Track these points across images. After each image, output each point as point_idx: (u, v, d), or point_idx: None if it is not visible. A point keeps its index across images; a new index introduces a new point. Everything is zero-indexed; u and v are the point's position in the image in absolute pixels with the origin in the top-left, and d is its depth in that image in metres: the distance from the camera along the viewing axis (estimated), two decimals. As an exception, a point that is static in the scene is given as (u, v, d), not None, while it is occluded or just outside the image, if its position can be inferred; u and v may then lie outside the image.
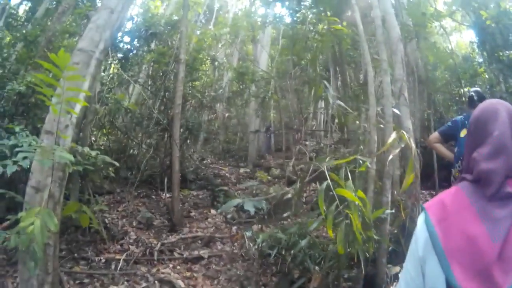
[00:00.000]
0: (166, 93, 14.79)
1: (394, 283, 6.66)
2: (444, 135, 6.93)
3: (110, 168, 9.93)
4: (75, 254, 8.49)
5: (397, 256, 6.90)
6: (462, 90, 17.78)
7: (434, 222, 1.76)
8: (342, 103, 7.34)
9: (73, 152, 5.89)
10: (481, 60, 18.90)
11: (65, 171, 5.83)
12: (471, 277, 1.57)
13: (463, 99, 17.57)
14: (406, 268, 1.95)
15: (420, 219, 1.88)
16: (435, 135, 7.12)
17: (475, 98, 6.78)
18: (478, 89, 7.43)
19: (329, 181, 5.35)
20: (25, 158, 4.70)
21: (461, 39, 27.72)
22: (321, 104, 24.80)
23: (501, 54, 14.38)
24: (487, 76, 17.67)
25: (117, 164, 6.62)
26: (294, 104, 19.44)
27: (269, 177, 16.83)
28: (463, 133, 6.46)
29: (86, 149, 6.28)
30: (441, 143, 6.97)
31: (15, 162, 4.54)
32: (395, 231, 6.56)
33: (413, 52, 14.66)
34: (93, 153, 6.06)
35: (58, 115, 4.90)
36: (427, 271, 1.78)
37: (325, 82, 7.75)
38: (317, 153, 18.82)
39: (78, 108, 5.79)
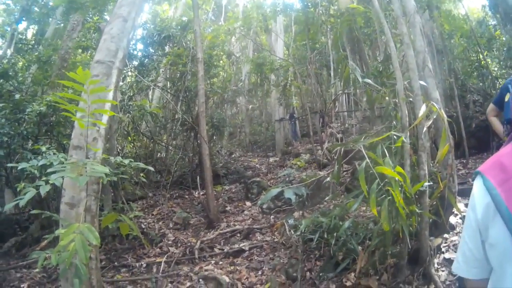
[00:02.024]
0: (187, 93, 14.79)
1: (438, 255, 6.62)
2: (498, 104, 6.65)
3: (141, 174, 10.00)
4: (116, 263, 8.60)
5: (438, 228, 6.86)
6: (480, 56, 17.63)
7: (495, 185, 1.60)
8: (370, 81, 7.27)
9: (105, 163, 5.90)
10: (495, 22, 18.70)
11: (100, 184, 5.84)
12: None
13: (483, 63, 17.45)
14: (464, 240, 1.84)
15: (477, 184, 1.72)
16: (491, 107, 6.82)
17: None
18: None
19: (367, 159, 5.31)
20: (59, 176, 4.68)
21: (472, 4, 27.51)
22: (341, 85, 24.67)
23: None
24: (504, 39, 17.44)
25: (152, 169, 6.61)
26: (316, 88, 19.41)
27: (299, 163, 16.83)
28: (507, 97, 6.24)
29: (119, 158, 6.28)
30: (498, 114, 6.71)
31: (47, 182, 4.51)
32: (434, 203, 6.50)
33: (427, 22, 14.56)
34: (126, 161, 6.05)
35: (86, 128, 4.89)
36: (491, 238, 1.64)
37: (352, 63, 7.68)
38: (343, 133, 18.79)
39: (105, 119, 5.81)
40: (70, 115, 4.62)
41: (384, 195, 5.17)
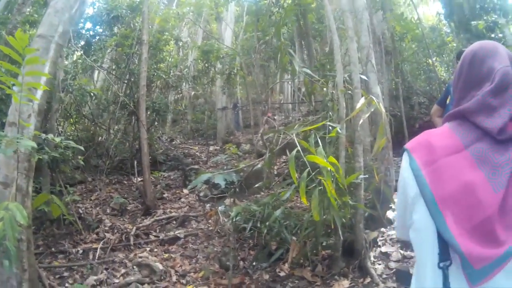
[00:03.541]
0: (131, 76, 14.59)
1: (374, 249, 6.67)
2: (442, 104, 6.78)
3: (80, 157, 9.78)
4: (53, 249, 8.39)
5: (374, 222, 6.93)
6: (430, 60, 17.88)
7: (420, 165, 1.57)
8: (308, 71, 7.29)
9: (38, 140, 5.74)
10: (448, 31, 19.00)
11: (31, 162, 5.68)
12: (468, 231, 1.40)
13: (431, 67, 17.73)
14: (398, 212, 1.83)
15: (404, 161, 1.70)
16: (435, 108, 6.94)
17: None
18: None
19: (299, 147, 5.28)
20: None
21: (428, 11, 27.82)
22: (288, 77, 24.75)
23: (470, 24, 14.30)
24: (455, 45, 17.69)
25: (81, 148, 6.44)
26: (260, 79, 19.39)
27: (239, 153, 16.80)
28: (448, 99, 6.41)
29: (50, 136, 6.09)
30: (442, 115, 6.61)
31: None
32: (370, 196, 6.54)
33: (379, 23, 14.65)
34: (57, 139, 5.87)
35: (19, 103, 4.74)
36: (415, 220, 1.60)
37: (290, 51, 7.64)
38: (286, 126, 18.85)
39: (39, 94, 5.65)
40: (6, 88, 4.45)
41: (315, 185, 5.16)
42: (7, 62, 6.01)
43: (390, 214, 7.49)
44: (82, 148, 6.40)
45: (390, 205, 7.14)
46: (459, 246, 1.37)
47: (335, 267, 6.32)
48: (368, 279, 5.98)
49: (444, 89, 7.04)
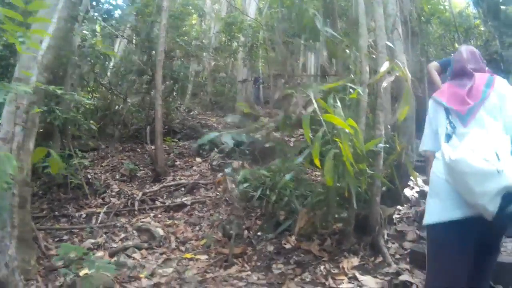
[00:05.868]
0: (150, 44, 14.36)
1: (389, 226, 6.31)
2: (442, 64, 7.53)
3: (92, 122, 9.65)
4: (56, 212, 8.46)
5: (391, 198, 6.59)
6: (456, 44, 17.58)
7: (437, 95, 3.40)
8: (331, 30, 6.99)
9: (49, 104, 5.53)
10: (476, 18, 18.66)
11: (29, 114, 5.53)
12: (457, 104, 3.15)
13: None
14: (426, 128, 3.50)
15: (431, 100, 3.50)
16: (434, 63, 7.81)
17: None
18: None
19: (315, 106, 4.92)
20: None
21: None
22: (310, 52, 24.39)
23: (499, 9, 13.97)
24: (482, 29, 17.36)
25: (85, 99, 6.25)
26: (285, 54, 19.12)
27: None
28: None
29: (52, 87, 5.88)
30: (438, 72, 7.56)
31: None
32: (389, 170, 6.18)
33: (406, 3, 14.35)
34: (59, 91, 5.68)
35: (22, 52, 4.64)
36: (437, 120, 3.33)
37: (313, 10, 7.35)
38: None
39: (45, 44, 5.57)
40: (10, 37, 4.18)
41: (331, 147, 4.82)
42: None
43: (408, 192, 7.19)
44: (85, 99, 6.20)
45: (409, 184, 6.84)
46: (454, 108, 3.15)
47: (346, 242, 5.97)
48: (380, 259, 5.63)
49: (448, 58, 7.51)
